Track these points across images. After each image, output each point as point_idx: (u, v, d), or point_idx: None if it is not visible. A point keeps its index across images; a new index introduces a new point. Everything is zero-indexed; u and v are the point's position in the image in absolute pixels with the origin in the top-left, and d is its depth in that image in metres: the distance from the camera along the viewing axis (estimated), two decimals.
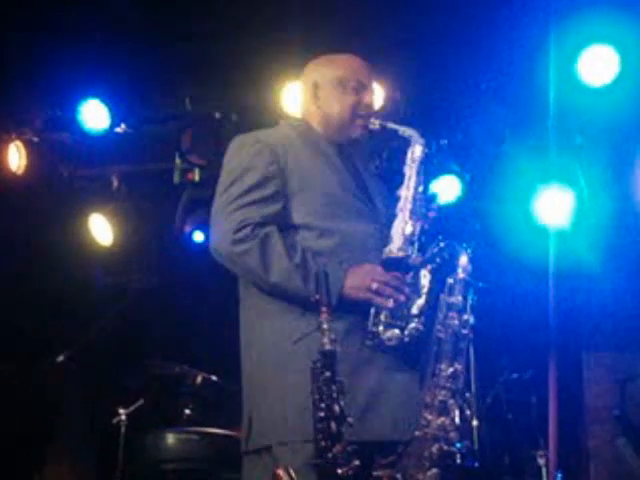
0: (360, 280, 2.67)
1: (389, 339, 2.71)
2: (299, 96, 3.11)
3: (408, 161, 2.85)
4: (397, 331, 2.71)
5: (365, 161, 3.10)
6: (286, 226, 2.72)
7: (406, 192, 2.81)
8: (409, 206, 2.79)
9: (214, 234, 2.76)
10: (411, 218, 2.78)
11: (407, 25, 4.40)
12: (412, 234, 2.78)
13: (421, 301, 2.75)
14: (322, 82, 2.92)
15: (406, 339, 2.72)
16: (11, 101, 4.92)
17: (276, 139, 2.85)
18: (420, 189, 2.83)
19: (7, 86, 4.75)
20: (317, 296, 2.60)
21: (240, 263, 2.67)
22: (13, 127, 5.08)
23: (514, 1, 4.23)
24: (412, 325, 2.71)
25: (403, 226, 2.77)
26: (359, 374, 2.70)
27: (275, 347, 2.70)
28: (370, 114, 2.87)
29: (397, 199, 2.81)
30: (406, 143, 2.88)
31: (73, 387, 5.23)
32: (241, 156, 2.82)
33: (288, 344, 2.66)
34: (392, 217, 2.81)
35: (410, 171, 2.84)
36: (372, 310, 2.71)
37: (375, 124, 2.85)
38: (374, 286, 2.67)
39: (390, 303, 2.68)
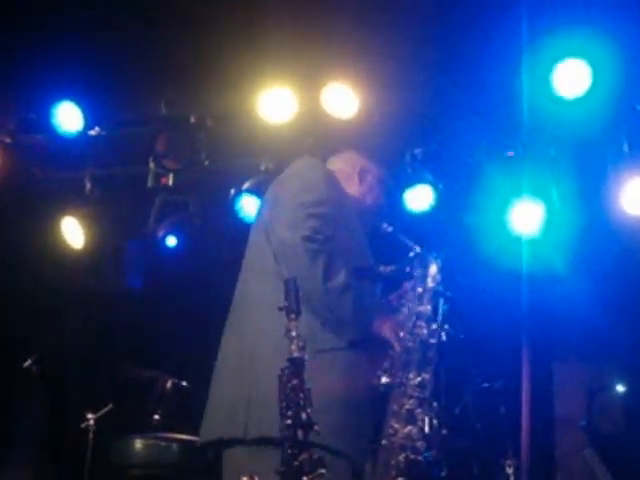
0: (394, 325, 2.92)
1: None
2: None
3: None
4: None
5: None
6: None
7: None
8: None
9: None
10: None
11: (383, 36, 4.42)
12: None
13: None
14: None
15: None
16: None
17: None
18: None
19: None
20: (286, 302, 2.61)
21: None
22: None
23: (490, 14, 4.26)
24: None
25: None
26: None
27: None
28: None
29: None
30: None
31: (40, 391, 5.18)
32: None
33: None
34: None
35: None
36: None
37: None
38: (401, 334, 2.89)
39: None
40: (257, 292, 2.91)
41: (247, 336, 2.86)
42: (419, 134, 4.99)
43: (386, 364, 2.90)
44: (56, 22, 4.42)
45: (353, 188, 3.21)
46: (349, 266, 2.88)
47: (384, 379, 2.80)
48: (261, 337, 2.82)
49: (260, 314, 2.85)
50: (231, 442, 2.80)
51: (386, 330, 2.88)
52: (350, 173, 3.27)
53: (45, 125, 4.91)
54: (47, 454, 5.23)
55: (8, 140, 5.05)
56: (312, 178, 3.03)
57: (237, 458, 2.78)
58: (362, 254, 3.04)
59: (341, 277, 2.79)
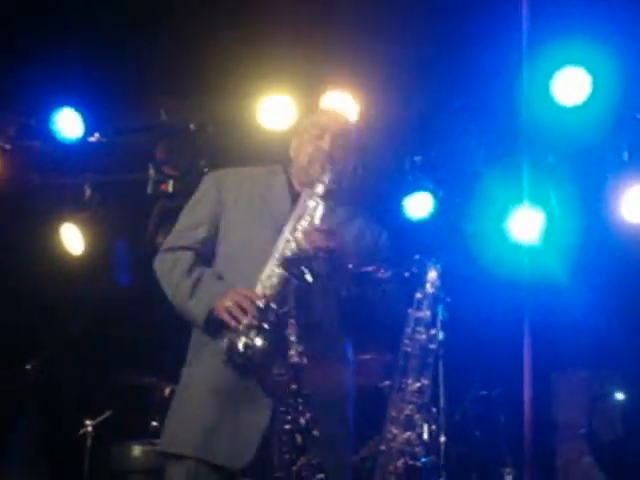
0: (222, 300, 2.72)
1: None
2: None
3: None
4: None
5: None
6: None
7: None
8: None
9: None
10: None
11: (383, 43, 4.42)
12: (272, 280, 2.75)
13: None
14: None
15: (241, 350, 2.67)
16: None
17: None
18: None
19: None
20: (285, 308, 2.62)
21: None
22: None
23: (490, 22, 4.27)
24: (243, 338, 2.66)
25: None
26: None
27: None
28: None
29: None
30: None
31: (38, 397, 5.17)
32: None
33: None
34: None
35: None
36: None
37: None
38: (227, 304, 2.69)
39: (233, 323, 2.66)
40: None
41: None
42: (419, 141, 5.00)
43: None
44: (56, 29, 4.43)
45: None
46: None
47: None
48: None
49: None
50: None
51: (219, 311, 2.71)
52: None
53: (45, 131, 4.91)
54: (45, 460, 5.22)
55: (8, 146, 5.06)
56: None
57: None
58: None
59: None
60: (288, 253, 2.72)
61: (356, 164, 3.02)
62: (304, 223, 2.77)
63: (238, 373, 2.69)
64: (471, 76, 4.57)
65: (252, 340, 2.64)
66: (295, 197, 2.89)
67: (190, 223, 2.93)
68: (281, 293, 2.69)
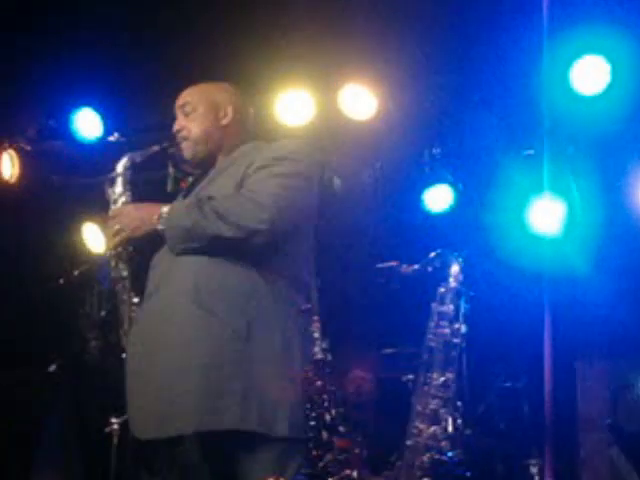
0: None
1: None
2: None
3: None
4: None
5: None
6: None
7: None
8: None
9: None
10: None
11: (400, 36, 4.41)
12: None
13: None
14: None
15: None
16: (5, 110, 4.92)
17: None
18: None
19: (1, 95, 4.75)
20: (308, 305, 2.63)
21: None
22: (6, 136, 5.08)
23: (508, 11, 4.25)
24: None
25: None
26: None
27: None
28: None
29: None
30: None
31: (64, 396, 5.21)
32: None
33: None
34: None
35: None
36: None
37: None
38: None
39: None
40: None
41: None
42: (437, 134, 4.99)
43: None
44: (74, 29, 4.45)
45: None
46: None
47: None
48: None
49: None
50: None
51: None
52: None
53: (65, 132, 4.93)
54: (77, 459, 5.25)
55: (28, 147, 5.08)
56: None
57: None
58: None
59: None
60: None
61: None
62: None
63: None
64: (490, 67, 4.55)
65: None
66: None
67: None
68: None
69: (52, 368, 4.40)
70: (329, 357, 2.57)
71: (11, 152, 5.06)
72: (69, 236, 5.28)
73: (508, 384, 4.58)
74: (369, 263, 3.90)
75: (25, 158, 5.08)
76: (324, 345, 2.58)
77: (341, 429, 2.56)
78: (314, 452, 2.49)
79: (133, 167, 2.90)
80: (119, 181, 2.88)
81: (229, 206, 2.56)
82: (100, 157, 5.05)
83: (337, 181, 5.08)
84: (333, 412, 2.56)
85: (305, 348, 2.59)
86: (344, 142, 5.08)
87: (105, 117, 4.91)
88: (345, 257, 5.22)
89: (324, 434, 2.52)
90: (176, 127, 2.91)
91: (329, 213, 5.39)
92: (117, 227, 2.70)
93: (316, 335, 2.57)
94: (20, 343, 5.06)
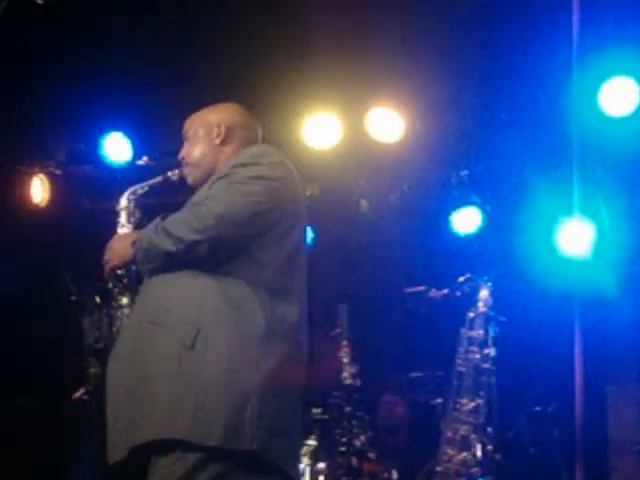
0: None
1: None
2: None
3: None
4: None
5: None
6: None
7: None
8: None
9: None
10: None
11: (427, 59, 4.42)
12: None
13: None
14: None
15: None
16: (35, 135, 4.97)
17: None
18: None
19: (31, 120, 4.80)
20: (337, 330, 2.63)
21: None
22: (37, 160, 5.13)
23: (537, 33, 4.24)
24: None
25: None
26: None
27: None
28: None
29: None
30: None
31: (92, 421, 5.21)
32: None
33: None
34: None
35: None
36: None
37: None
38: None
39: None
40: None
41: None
42: (465, 156, 4.98)
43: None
44: (104, 54, 4.50)
45: None
46: None
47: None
48: None
49: None
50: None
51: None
52: None
53: (94, 156, 4.98)
54: None
55: (58, 172, 5.13)
56: None
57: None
58: None
59: None
60: None
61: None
62: None
63: None
64: (518, 88, 4.54)
65: None
66: None
67: None
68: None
69: (78, 394, 4.39)
70: (358, 382, 2.56)
71: (42, 176, 5.11)
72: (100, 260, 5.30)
73: (538, 408, 4.53)
74: (397, 287, 3.89)
75: (55, 182, 5.13)
76: (353, 370, 2.58)
77: (370, 455, 2.54)
78: (344, 479, 2.49)
79: (136, 200, 2.96)
80: (122, 214, 2.94)
81: (173, 220, 2.56)
82: (129, 180, 5.10)
83: (364, 203, 5.08)
84: (362, 438, 2.55)
85: (264, 361, 2.43)
86: (371, 165, 5.08)
87: (134, 141, 4.95)
88: (373, 281, 5.21)
89: (354, 460, 2.52)
90: (180, 155, 2.89)
91: (357, 236, 5.42)
92: (105, 258, 2.73)
93: (345, 360, 2.57)
94: (46, 368, 5.08)
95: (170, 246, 2.49)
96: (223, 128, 2.79)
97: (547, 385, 4.63)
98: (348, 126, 4.84)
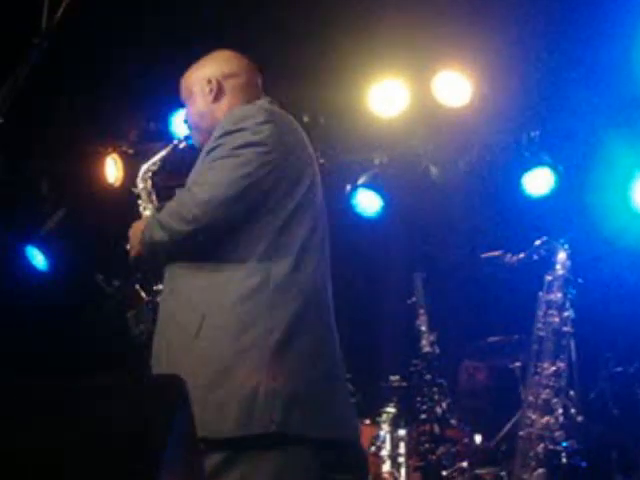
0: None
1: None
2: None
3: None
4: None
5: None
6: None
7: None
8: None
9: None
10: None
11: (494, 20, 4.35)
12: None
13: None
14: None
15: None
16: (108, 116, 5.06)
17: None
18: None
19: (104, 101, 4.88)
20: (413, 299, 2.64)
21: None
22: (110, 140, 5.22)
23: None
24: None
25: None
26: None
27: None
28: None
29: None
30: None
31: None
32: None
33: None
34: None
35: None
36: None
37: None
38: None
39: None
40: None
41: None
42: (535, 116, 4.89)
43: None
44: (170, 31, 4.54)
45: None
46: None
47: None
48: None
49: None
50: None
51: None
52: None
53: (165, 134, 5.04)
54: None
55: (131, 151, 5.21)
56: None
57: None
58: None
59: None
60: None
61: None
62: None
63: None
64: (588, 44, 4.44)
65: None
66: None
67: None
68: None
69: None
70: (437, 350, 2.57)
71: (115, 156, 5.20)
72: None
73: (620, 369, 4.47)
74: (473, 253, 3.86)
75: (128, 162, 5.22)
76: (432, 338, 2.58)
77: (452, 421, 2.56)
78: (427, 445, 2.51)
79: (152, 176, 2.88)
80: (143, 195, 2.85)
81: (165, 212, 2.48)
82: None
83: (434, 170, 5.04)
84: (443, 405, 2.56)
85: (270, 342, 2.28)
86: (439, 130, 5.04)
87: None
88: (447, 247, 5.18)
89: (436, 427, 2.53)
90: (183, 119, 2.80)
91: (428, 203, 5.39)
92: (127, 247, 2.63)
93: (423, 328, 2.58)
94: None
95: (166, 238, 2.41)
96: (214, 82, 2.65)
97: (628, 345, 4.56)
98: (415, 92, 4.81)
